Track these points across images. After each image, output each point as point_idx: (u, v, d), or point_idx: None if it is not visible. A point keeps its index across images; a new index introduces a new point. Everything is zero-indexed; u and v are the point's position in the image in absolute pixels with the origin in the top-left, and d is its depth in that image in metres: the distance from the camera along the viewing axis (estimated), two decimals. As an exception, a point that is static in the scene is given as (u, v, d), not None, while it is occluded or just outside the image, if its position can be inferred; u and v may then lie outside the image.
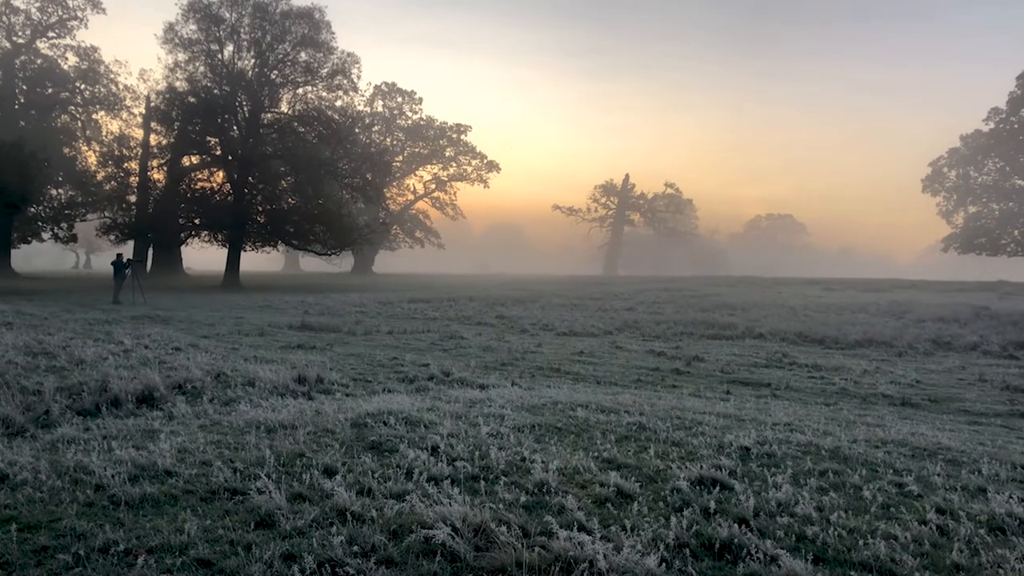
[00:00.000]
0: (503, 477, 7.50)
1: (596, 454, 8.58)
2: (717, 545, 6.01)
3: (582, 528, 6.17)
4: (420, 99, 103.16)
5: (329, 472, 7.58)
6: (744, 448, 9.05)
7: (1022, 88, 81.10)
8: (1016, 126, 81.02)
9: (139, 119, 72.03)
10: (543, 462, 7.96)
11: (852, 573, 5.64)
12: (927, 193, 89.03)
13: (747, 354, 21.99)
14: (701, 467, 8.02)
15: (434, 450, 8.36)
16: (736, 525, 6.31)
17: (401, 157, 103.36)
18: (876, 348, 23.93)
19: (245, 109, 63.11)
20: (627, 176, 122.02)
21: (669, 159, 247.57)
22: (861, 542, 6.18)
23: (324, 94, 66.68)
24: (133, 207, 67.03)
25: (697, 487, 7.46)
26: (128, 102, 72.86)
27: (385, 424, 9.51)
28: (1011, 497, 7.35)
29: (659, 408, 11.68)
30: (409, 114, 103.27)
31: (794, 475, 8.03)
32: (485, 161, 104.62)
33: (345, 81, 66.51)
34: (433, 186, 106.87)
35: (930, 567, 5.81)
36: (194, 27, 62.21)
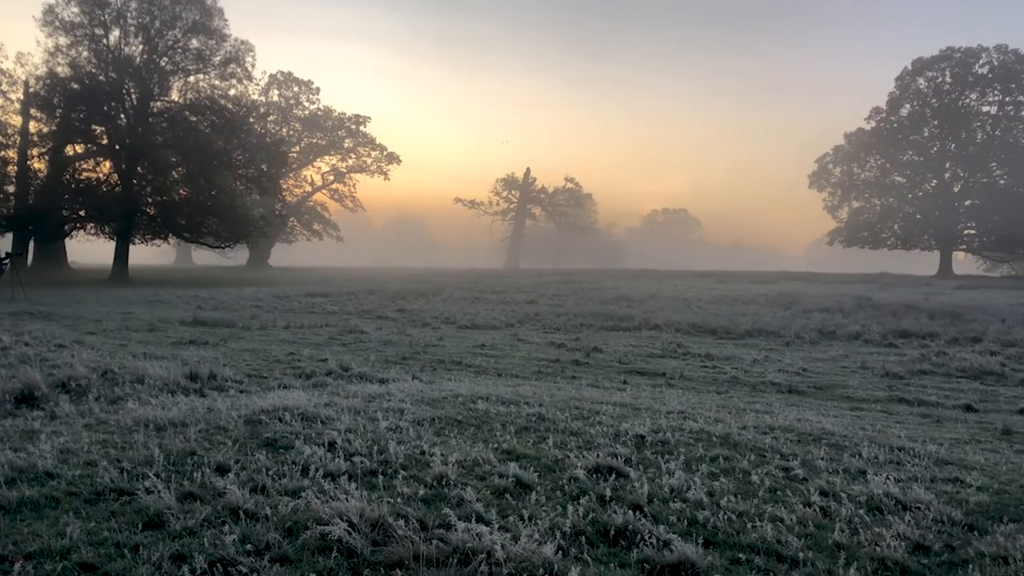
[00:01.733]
0: (402, 471, 7.45)
1: (496, 446, 8.62)
2: (612, 532, 6.13)
3: (480, 519, 6.19)
4: (317, 89, 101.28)
5: (222, 470, 7.38)
6: (639, 436, 9.25)
7: (901, 89, 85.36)
8: (895, 125, 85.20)
9: (17, 105, 68.25)
10: (443, 455, 7.96)
11: (741, 555, 5.83)
12: (814, 189, 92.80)
13: (644, 345, 22.48)
14: (598, 456, 8.16)
15: (331, 446, 8.24)
16: (631, 511, 6.45)
17: (298, 148, 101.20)
18: (765, 338, 24.81)
19: (133, 97, 60.61)
20: (528, 170, 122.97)
21: (569, 154, 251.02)
22: (749, 525, 6.41)
23: (217, 83, 64.63)
24: (12, 198, 63.51)
25: (594, 475, 7.59)
26: (4, 87, 68.94)
27: (280, 420, 9.32)
28: (888, 478, 7.73)
29: (558, 399, 11.83)
30: (306, 104, 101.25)
31: (687, 461, 8.26)
32: (385, 153, 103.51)
33: (239, 69, 64.63)
34: (331, 178, 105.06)
35: (814, 547, 6.07)
36: (76, 9, 59.24)
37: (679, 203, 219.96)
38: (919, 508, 6.93)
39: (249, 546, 5.59)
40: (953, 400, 14.64)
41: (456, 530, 5.80)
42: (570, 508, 6.52)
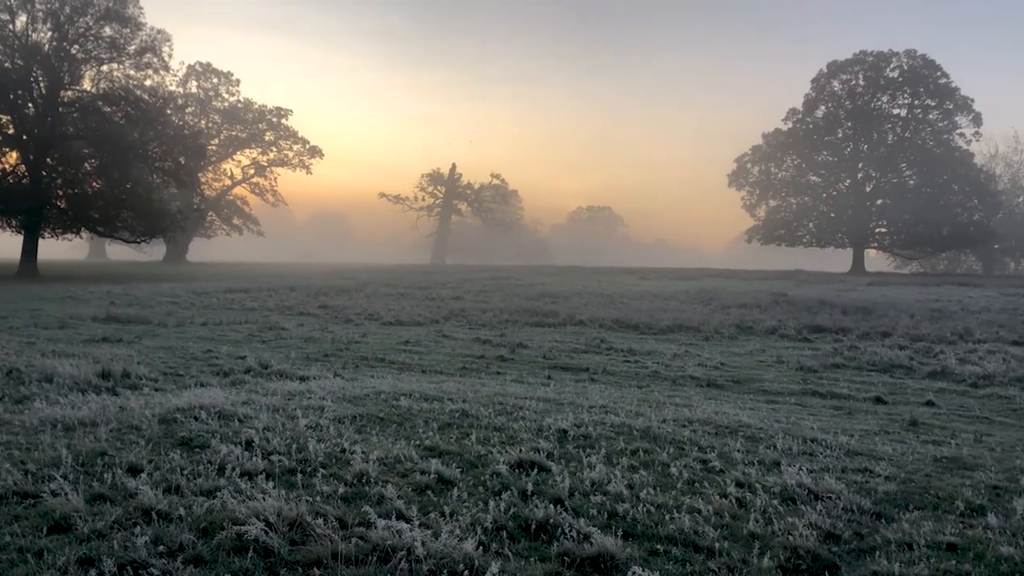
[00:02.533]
0: (322, 469, 7.35)
1: (418, 442, 8.57)
2: (534, 526, 6.16)
3: (401, 516, 6.14)
4: (237, 80, 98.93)
5: (134, 470, 7.16)
6: (562, 431, 9.32)
7: (816, 91, 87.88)
8: (811, 126, 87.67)
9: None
10: (363, 453, 7.87)
11: (659, 547, 5.92)
12: (733, 188, 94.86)
13: (568, 340, 22.65)
14: (521, 451, 8.19)
15: (249, 444, 8.07)
16: (552, 505, 6.49)
17: (217, 141, 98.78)
18: (686, 333, 25.25)
19: (42, 85, 58.25)
20: (454, 165, 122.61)
21: (495, 150, 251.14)
22: (668, 517, 6.51)
23: (132, 72, 62.68)
24: (-91, 189, 60.44)
25: (516, 470, 7.61)
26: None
27: (196, 419, 9.08)
28: (802, 469, 7.95)
29: (482, 395, 11.82)
30: (226, 96, 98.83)
31: (608, 455, 8.35)
32: (307, 146, 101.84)
33: (155, 59, 62.82)
34: (252, 171, 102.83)
35: (729, 537, 6.20)
36: (-20, -7, 56.71)
37: (604, 201, 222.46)
38: (830, 498, 7.14)
39: (162, 547, 5.43)
40: (864, 393, 15.13)
41: (376, 528, 5.74)
42: (492, 503, 6.52)
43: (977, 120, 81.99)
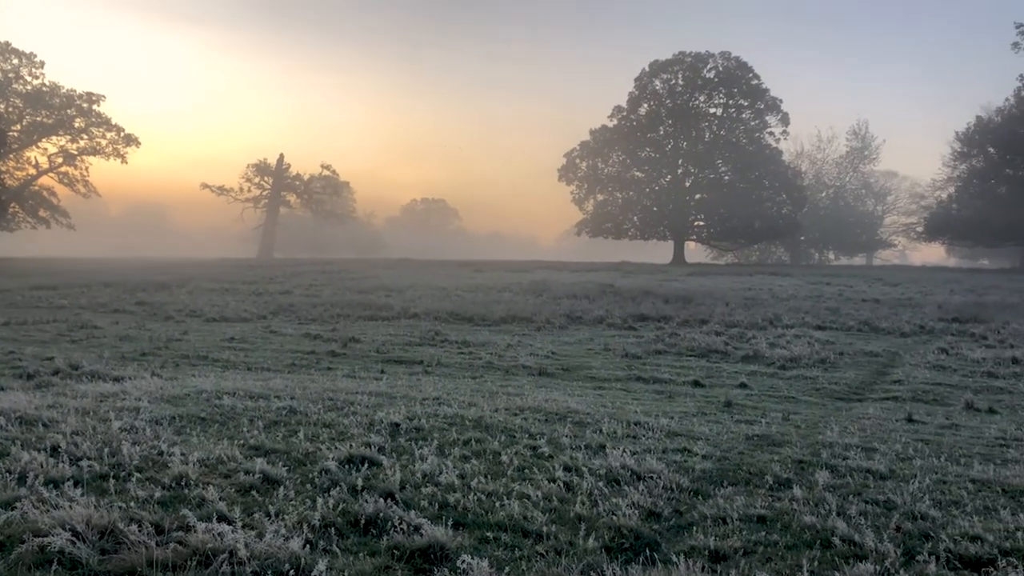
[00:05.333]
0: (137, 473, 6.94)
1: (243, 442, 8.26)
2: (363, 521, 6.07)
3: (223, 518, 5.87)
4: (41, 63, 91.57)
5: (-83, 486, 6.49)
6: (394, 424, 9.24)
7: (639, 90, 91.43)
8: (635, 123, 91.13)
9: None
10: (183, 454, 7.49)
11: (489, 534, 5.98)
12: (563, 182, 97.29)
13: (402, 333, 22.52)
14: (351, 446, 8.05)
15: (55, 450, 7.51)
16: (382, 499, 6.42)
17: (19, 127, 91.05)
18: (519, 324, 25.66)
19: None
20: (282, 156, 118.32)
21: (326, 140, 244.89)
22: (498, 504, 6.59)
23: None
24: None
25: (346, 466, 7.48)
26: None
27: (-6, 426, 8.35)
28: (625, 451, 8.25)
29: (312, 391, 11.54)
30: (28, 79, 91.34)
31: (440, 446, 8.36)
32: (122, 134, 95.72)
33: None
34: (60, 160, 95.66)
35: (557, 521, 6.35)
36: None
37: (438, 193, 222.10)
38: (652, 477, 7.45)
39: (-51, 569, 4.96)
40: (684, 377, 15.92)
41: (196, 531, 5.48)
42: (319, 501, 6.37)
43: (785, 120, 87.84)
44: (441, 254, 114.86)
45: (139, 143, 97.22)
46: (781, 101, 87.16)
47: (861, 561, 5.60)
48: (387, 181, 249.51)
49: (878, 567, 5.49)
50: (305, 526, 5.86)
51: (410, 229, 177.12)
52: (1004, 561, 5.55)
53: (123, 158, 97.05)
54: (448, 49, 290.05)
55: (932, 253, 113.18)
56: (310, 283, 43.50)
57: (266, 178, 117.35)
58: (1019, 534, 6.06)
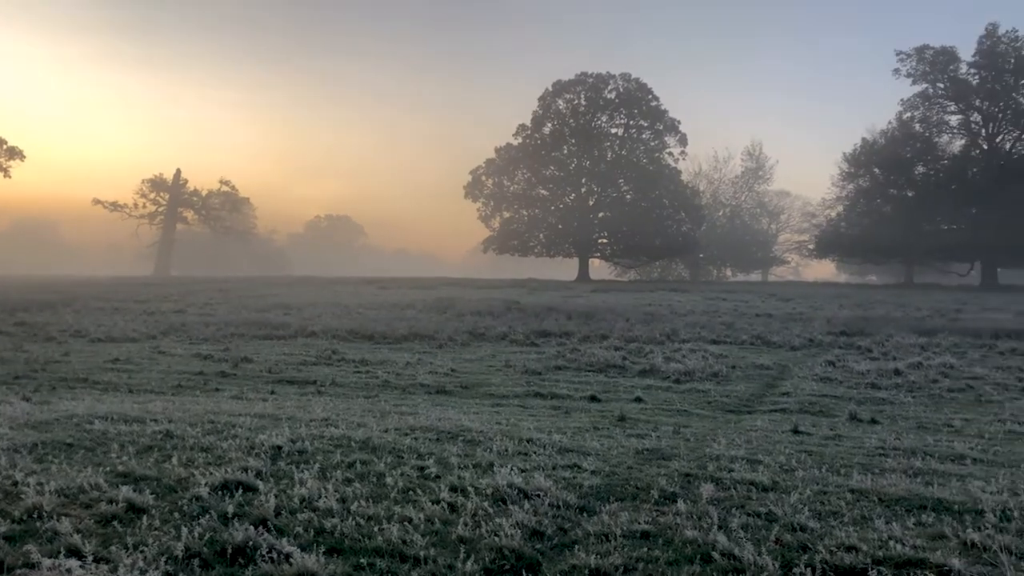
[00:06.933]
0: (-16, 507, 6.43)
1: (110, 468, 7.79)
2: (231, 550, 5.75)
3: (75, 552, 5.48)
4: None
5: None
6: (276, 447, 8.89)
7: (543, 109, 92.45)
8: (539, 142, 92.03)
9: None
10: (39, 484, 6.98)
11: (364, 560, 5.74)
12: (469, 199, 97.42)
13: (298, 353, 21.96)
14: (227, 471, 7.67)
15: None
16: (254, 527, 6.10)
17: None
18: (420, 341, 25.38)
19: None
20: (179, 171, 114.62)
21: (226, 156, 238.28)
22: (377, 528, 6.35)
23: None
24: None
25: (220, 492, 7.11)
26: None
27: None
28: (514, 469, 8.11)
29: (192, 413, 11.04)
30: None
31: (322, 469, 8.05)
32: (5, 147, 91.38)
33: None
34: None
35: (438, 544, 6.15)
36: None
37: (344, 210, 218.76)
38: (539, 495, 7.32)
39: None
40: (581, 392, 15.95)
41: (40, 568, 5.09)
42: (185, 530, 6.01)
43: (683, 140, 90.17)
44: (346, 271, 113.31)
45: (23, 156, 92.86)
46: (679, 122, 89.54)
47: (739, 575, 5.59)
48: (290, 197, 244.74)
49: (755, 580, 5.49)
50: (165, 558, 5.50)
51: (314, 246, 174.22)
52: (875, 571, 5.63)
53: (6, 172, 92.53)
54: (350, 65, 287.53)
55: (823, 269, 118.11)
56: (205, 301, 42.13)
57: (162, 194, 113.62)
58: (891, 543, 6.17)
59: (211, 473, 7.61)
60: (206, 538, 5.93)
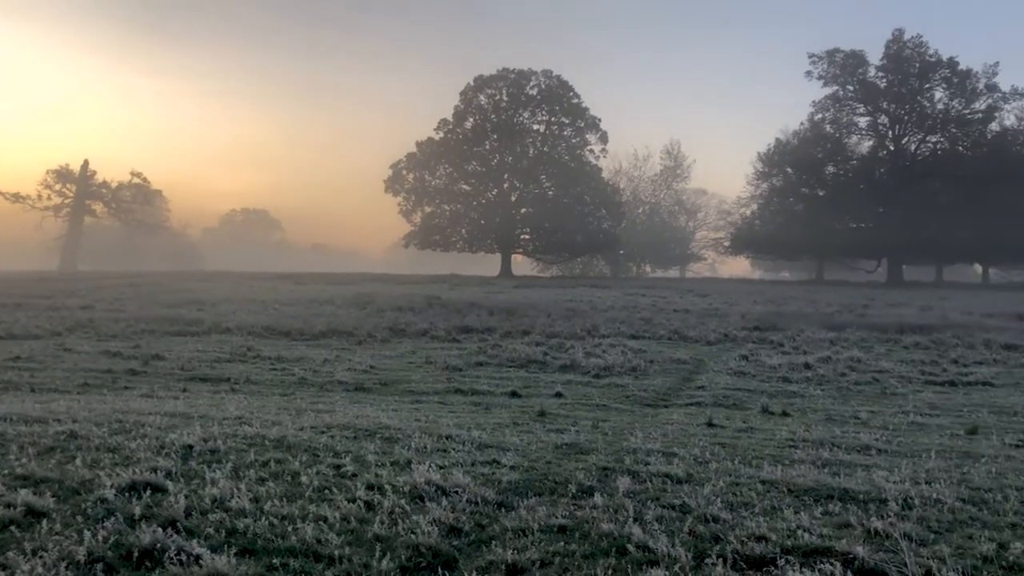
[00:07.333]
0: None
1: (8, 471, 7.46)
2: (138, 553, 5.57)
3: (-32, 560, 5.23)
4: None
5: None
6: (187, 447, 8.64)
7: (465, 103, 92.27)
8: (461, 137, 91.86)
9: None
10: (-71, 490, 6.64)
11: (277, 560, 5.62)
12: (390, 193, 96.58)
13: (212, 349, 21.43)
14: (135, 472, 7.42)
15: None
16: (162, 529, 5.92)
17: None
18: (339, 338, 25.06)
19: None
20: (86, 162, 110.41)
21: (136, 147, 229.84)
22: (291, 528, 6.22)
23: None
24: None
25: (127, 494, 6.87)
26: None
27: None
28: (431, 466, 8.05)
29: (99, 413, 10.66)
30: None
31: (235, 468, 7.86)
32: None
33: None
34: None
35: (354, 543, 6.06)
36: None
37: (261, 204, 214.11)
38: (457, 492, 7.29)
39: None
40: (502, 388, 15.97)
41: (-71, 579, 4.82)
42: (88, 533, 5.78)
43: (604, 138, 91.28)
44: (262, 267, 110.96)
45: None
46: (600, 120, 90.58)
47: (654, 567, 5.67)
48: (205, 191, 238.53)
49: (669, 572, 5.58)
50: (66, 563, 5.29)
51: (229, 241, 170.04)
52: (783, 560, 5.78)
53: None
54: (267, 54, 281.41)
55: (739, 266, 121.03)
56: (115, 297, 40.79)
57: (68, 185, 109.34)
58: (800, 532, 6.35)
59: (118, 474, 7.35)
60: (111, 541, 5.72)
